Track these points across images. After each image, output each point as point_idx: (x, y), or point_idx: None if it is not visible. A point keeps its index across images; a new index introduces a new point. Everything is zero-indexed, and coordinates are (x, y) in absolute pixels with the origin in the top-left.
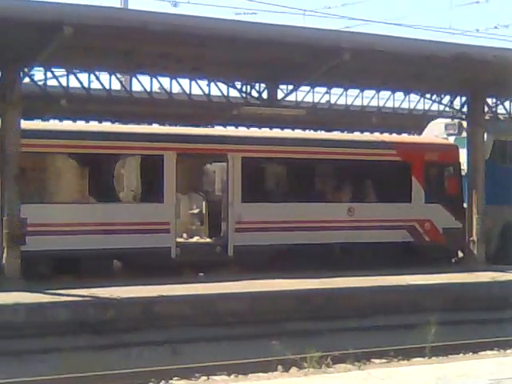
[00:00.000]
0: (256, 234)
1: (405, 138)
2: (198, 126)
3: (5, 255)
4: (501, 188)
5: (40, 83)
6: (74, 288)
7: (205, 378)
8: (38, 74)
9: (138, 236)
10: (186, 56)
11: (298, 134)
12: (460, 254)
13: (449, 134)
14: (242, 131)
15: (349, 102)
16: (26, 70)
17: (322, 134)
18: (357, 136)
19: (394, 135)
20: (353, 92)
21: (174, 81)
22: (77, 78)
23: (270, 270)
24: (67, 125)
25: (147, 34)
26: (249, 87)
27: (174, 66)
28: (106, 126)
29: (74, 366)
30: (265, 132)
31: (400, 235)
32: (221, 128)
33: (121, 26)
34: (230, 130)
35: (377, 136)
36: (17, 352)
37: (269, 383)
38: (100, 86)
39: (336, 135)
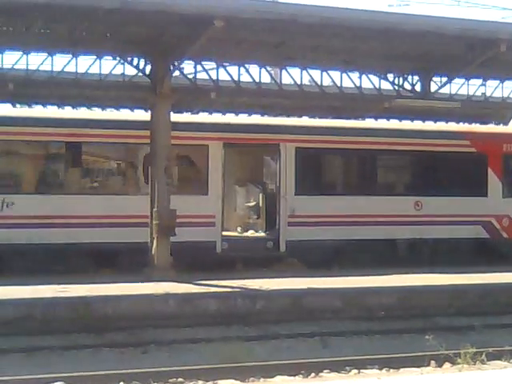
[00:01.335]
0: (310, 228)
1: (481, 127)
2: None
3: (155, 246)
4: None
5: (190, 76)
6: (222, 279)
7: (355, 371)
8: (188, 67)
9: (181, 229)
10: (337, 48)
11: (359, 123)
12: None
13: None
14: (296, 120)
15: (505, 95)
16: (176, 63)
17: (385, 123)
18: (425, 125)
19: (469, 125)
20: (510, 84)
21: (324, 73)
22: (226, 71)
23: (329, 267)
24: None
25: (298, 27)
26: (401, 79)
27: (325, 59)
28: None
29: (223, 357)
30: (320, 121)
31: (474, 231)
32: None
33: (271, 19)
34: (283, 119)
35: (448, 126)
36: (168, 341)
37: (421, 378)
38: (250, 79)
39: (402, 124)
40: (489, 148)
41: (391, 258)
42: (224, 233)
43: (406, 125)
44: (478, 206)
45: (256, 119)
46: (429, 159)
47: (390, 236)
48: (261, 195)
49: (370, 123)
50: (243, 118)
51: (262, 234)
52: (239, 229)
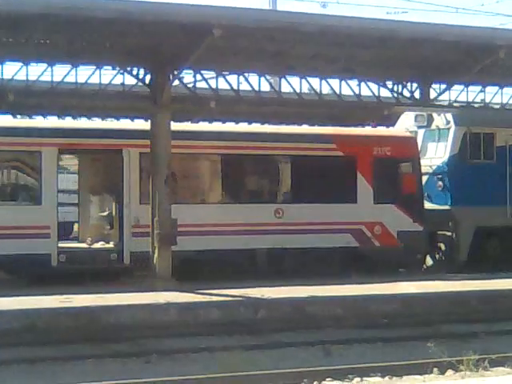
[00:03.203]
0: None
1: (348, 130)
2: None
3: (156, 255)
4: (471, 187)
5: (189, 85)
6: (225, 288)
7: (358, 379)
8: (188, 76)
9: (9, 241)
10: (336, 56)
11: (211, 126)
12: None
13: (419, 127)
14: (140, 124)
15: (504, 101)
16: (175, 72)
17: (240, 127)
18: (287, 128)
19: (337, 127)
20: (509, 90)
21: (323, 81)
22: (226, 80)
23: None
24: None
25: (297, 35)
26: (400, 87)
27: (324, 67)
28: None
29: (225, 366)
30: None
31: (343, 240)
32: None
33: (270, 28)
34: (126, 123)
35: (312, 128)
36: (169, 351)
37: None
38: (249, 88)
39: (259, 127)
40: (357, 151)
41: (250, 269)
42: (63, 244)
43: (265, 128)
44: (346, 213)
45: (98, 123)
46: (290, 164)
47: (248, 246)
48: (114, 204)
49: (223, 126)
50: (83, 123)
51: (108, 245)
52: (88, 240)
